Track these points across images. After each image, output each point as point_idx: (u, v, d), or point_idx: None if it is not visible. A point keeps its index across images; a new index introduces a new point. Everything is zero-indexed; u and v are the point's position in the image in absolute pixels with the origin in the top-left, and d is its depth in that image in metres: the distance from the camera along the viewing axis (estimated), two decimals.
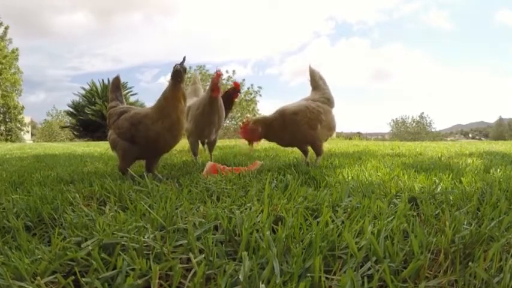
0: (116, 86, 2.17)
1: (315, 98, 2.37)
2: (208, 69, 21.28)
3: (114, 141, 1.92)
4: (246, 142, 2.30)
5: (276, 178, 1.64)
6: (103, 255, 0.75)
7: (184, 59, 1.84)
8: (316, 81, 2.48)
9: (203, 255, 0.76)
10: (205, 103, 2.46)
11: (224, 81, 20.96)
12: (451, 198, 1.25)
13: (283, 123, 2.17)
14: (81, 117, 22.11)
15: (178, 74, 1.81)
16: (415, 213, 1.11)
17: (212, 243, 0.81)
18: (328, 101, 2.41)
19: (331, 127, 2.38)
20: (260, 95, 21.86)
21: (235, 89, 2.96)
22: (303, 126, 2.18)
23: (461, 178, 1.68)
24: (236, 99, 2.98)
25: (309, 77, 2.51)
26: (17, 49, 24.34)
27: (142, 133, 1.79)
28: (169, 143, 1.85)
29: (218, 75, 2.45)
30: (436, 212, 1.09)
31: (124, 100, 2.17)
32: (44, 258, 0.75)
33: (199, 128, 2.53)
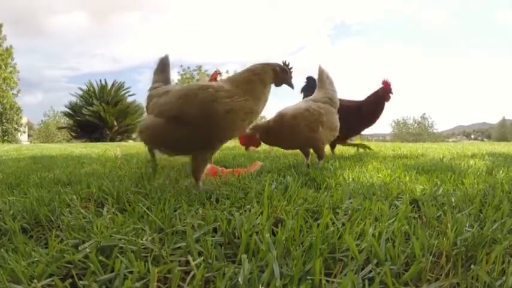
0: (164, 66, 1.81)
1: (317, 98, 2.33)
2: (206, 70, 21.31)
3: (147, 126, 1.50)
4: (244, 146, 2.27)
5: (275, 180, 1.63)
6: (101, 257, 0.75)
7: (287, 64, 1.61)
8: (322, 81, 2.45)
9: (202, 258, 0.75)
10: None
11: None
12: (453, 200, 1.24)
13: (282, 128, 2.13)
14: (78, 118, 22.14)
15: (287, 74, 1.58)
16: (416, 215, 1.10)
17: (211, 245, 0.81)
18: (331, 101, 2.36)
19: (333, 128, 2.34)
20: None
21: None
22: (303, 129, 2.14)
23: (463, 180, 1.66)
24: None
25: (316, 76, 2.49)
26: (11, 47, 24.13)
27: (197, 109, 1.34)
28: (234, 128, 1.42)
29: (216, 73, 2.45)
30: (438, 214, 1.08)
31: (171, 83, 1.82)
32: (41, 261, 0.75)
33: None
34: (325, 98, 2.34)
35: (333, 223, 0.95)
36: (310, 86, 3.73)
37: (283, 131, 2.13)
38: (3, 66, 23.06)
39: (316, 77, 2.57)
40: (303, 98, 3.66)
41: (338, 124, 2.38)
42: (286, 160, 2.72)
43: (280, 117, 2.16)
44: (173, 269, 0.69)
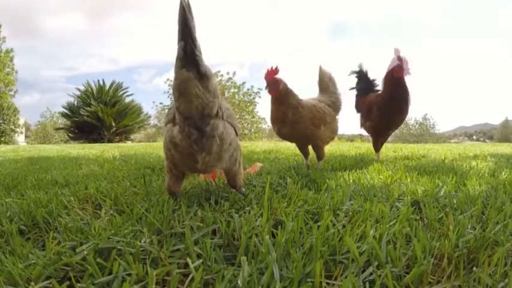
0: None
1: (321, 100, 2.34)
2: None
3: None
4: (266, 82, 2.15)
5: (275, 181, 1.63)
6: (99, 260, 0.74)
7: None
8: (325, 83, 2.43)
9: (201, 260, 0.75)
10: None
11: (223, 82, 20.86)
12: (454, 201, 1.23)
13: (289, 112, 2.14)
14: (76, 119, 21.91)
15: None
16: (418, 217, 1.09)
17: (210, 247, 0.80)
18: (334, 105, 2.37)
19: (333, 130, 2.35)
20: (259, 97, 21.69)
21: None
22: (307, 122, 2.15)
23: (465, 181, 1.65)
24: None
25: (317, 78, 2.46)
26: (12, 49, 23.94)
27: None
28: None
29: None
30: (440, 216, 1.07)
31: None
32: (38, 263, 0.74)
33: None
34: (329, 101, 2.36)
35: (334, 225, 0.94)
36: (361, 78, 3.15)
37: (288, 116, 2.14)
38: (1, 67, 22.92)
39: (318, 77, 2.52)
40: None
41: (337, 128, 2.39)
42: (286, 161, 2.72)
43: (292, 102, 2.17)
44: (172, 272, 0.68)
